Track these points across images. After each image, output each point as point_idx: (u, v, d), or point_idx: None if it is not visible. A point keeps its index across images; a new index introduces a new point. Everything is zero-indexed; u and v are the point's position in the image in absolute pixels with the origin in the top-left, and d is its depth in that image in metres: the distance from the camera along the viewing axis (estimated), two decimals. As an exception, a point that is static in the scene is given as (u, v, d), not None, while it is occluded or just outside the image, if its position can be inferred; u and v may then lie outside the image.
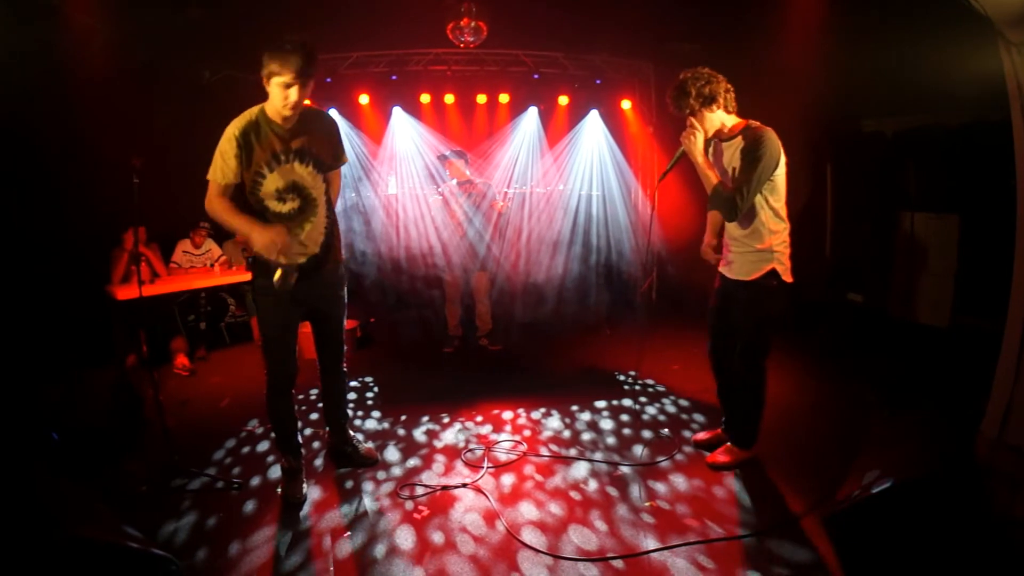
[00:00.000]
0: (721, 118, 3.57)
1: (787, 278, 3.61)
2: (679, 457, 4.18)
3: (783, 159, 3.50)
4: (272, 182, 3.39)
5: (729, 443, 4.05)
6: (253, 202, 3.43)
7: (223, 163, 3.28)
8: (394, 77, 8.76)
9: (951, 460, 2.84)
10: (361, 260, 8.87)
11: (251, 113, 3.33)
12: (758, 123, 3.54)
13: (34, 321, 5.44)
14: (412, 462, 4.17)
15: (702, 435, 4.39)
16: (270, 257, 3.26)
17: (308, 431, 4.69)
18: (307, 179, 3.49)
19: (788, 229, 3.64)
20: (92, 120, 5.85)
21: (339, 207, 8.35)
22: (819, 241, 7.74)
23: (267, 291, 3.46)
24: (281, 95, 3.19)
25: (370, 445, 4.37)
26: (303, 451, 3.91)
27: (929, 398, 4.80)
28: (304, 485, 3.78)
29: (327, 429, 4.22)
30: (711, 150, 3.75)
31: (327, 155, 3.57)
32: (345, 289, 3.90)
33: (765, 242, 3.56)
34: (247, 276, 6.90)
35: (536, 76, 9.13)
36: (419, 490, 3.79)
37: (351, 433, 4.24)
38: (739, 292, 3.71)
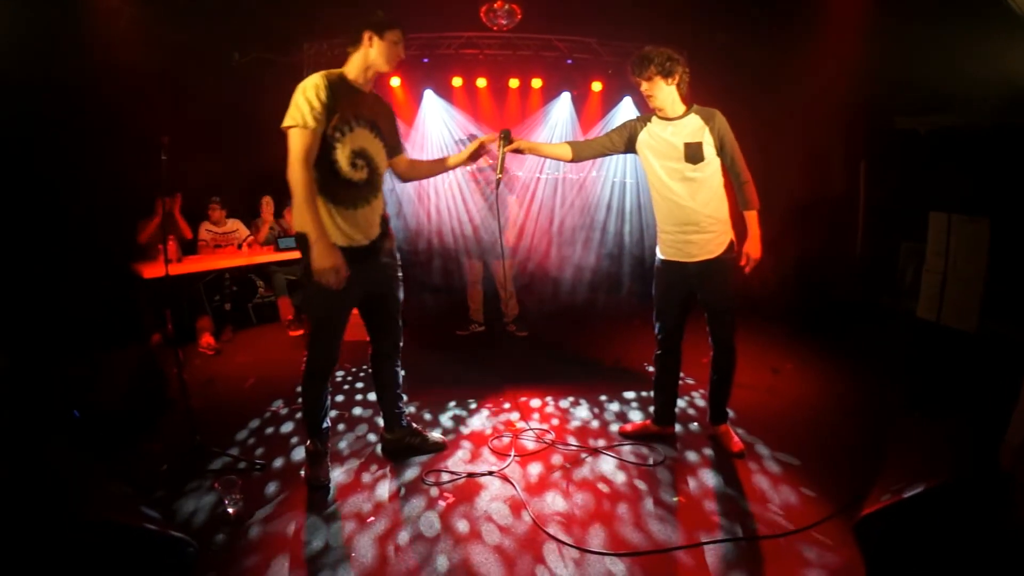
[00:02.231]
0: (672, 96, 3.72)
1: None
2: (707, 452, 4.09)
3: None
4: (350, 143, 3.28)
5: (726, 426, 4.17)
6: (323, 166, 3.25)
7: (310, 107, 3.12)
8: (425, 60, 8.68)
9: (977, 467, 2.76)
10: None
11: (329, 72, 3.27)
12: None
13: (60, 298, 5.47)
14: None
15: (628, 427, 4.41)
16: (322, 282, 3.15)
17: (333, 413, 4.65)
18: (377, 152, 3.45)
19: None
20: (120, 100, 5.86)
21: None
22: (850, 240, 7.59)
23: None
24: (395, 50, 3.34)
25: (439, 434, 4.26)
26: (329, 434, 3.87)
27: (957, 403, 4.67)
28: (329, 468, 3.72)
29: (383, 424, 4.07)
30: (645, 132, 3.87)
31: (393, 137, 3.61)
32: (400, 269, 3.75)
33: (726, 217, 3.80)
34: (275, 256, 6.91)
35: (569, 61, 9.02)
36: (444, 477, 3.73)
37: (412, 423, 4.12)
38: (717, 268, 3.80)
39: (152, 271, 5.59)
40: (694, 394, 5.07)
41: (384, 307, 3.70)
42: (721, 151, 3.71)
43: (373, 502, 3.44)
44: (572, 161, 4.07)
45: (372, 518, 3.28)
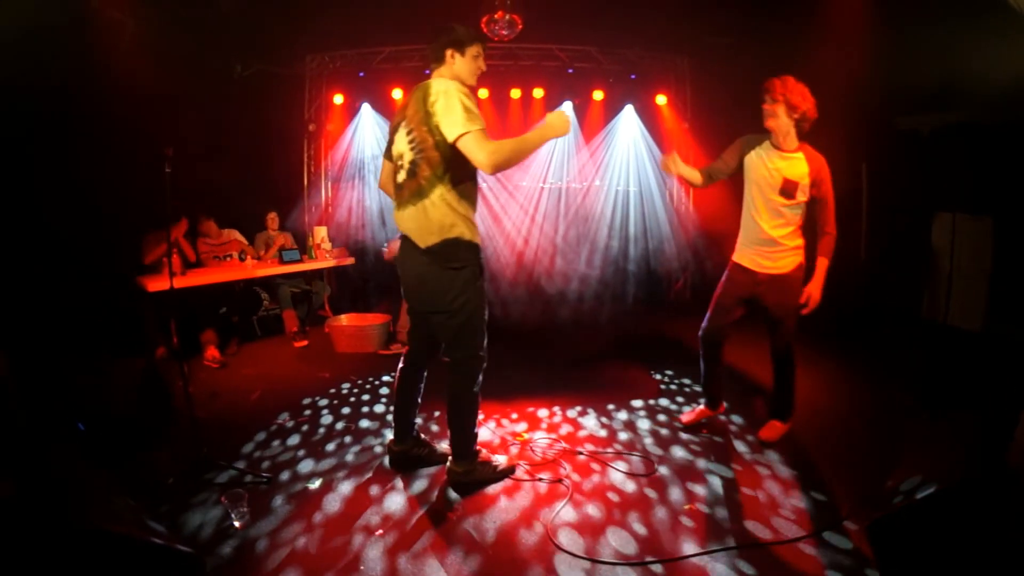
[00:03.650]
0: (790, 129, 3.90)
1: None
2: (718, 458, 4.07)
3: None
4: None
5: (775, 420, 4.37)
6: (471, 172, 3.40)
7: (478, 110, 3.21)
8: (428, 72, 8.69)
9: (987, 467, 2.74)
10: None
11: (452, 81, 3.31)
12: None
13: (64, 307, 5.46)
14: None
15: (685, 417, 4.65)
16: (561, 133, 3.40)
17: (339, 425, 4.64)
18: None
19: None
20: (124, 112, 5.87)
21: (376, 202, 8.36)
22: (854, 241, 7.57)
23: (482, 275, 3.48)
24: (476, 64, 3.48)
25: (446, 444, 4.14)
26: (332, 446, 3.85)
27: (964, 403, 4.66)
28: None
29: (391, 435, 4.07)
30: (754, 152, 4.05)
31: None
32: None
33: (800, 244, 4.07)
34: (280, 269, 6.91)
35: (570, 71, 9.07)
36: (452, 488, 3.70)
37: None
38: (785, 283, 4.06)
39: (156, 284, 5.58)
40: (702, 400, 5.03)
41: None
42: (815, 196, 3.93)
43: (382, 514, 3.41)
44: (701, 186, 4.23)
45: (381, 530, 3.25)
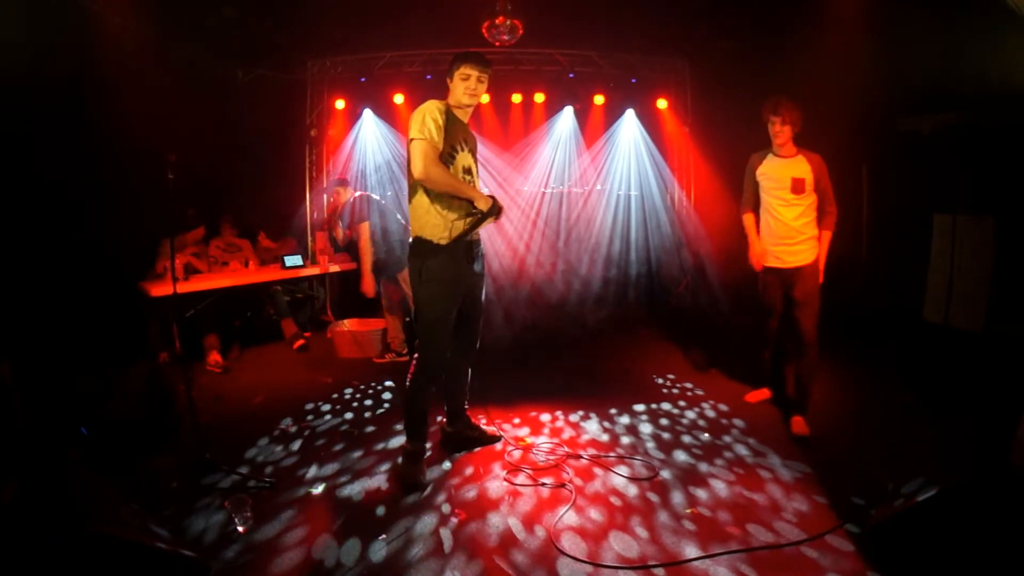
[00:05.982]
0: (790, 140, 4.61)
1: None
2: (719, 462, 4.06)
3: None
4: (461, 160, 3.79)
5: (799, 415, 4.59)
6: None
7: (436, 126, 3.61)
8: (429, 77, 8.75)
9: (988, 468, 2.75)
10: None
11: (445, 101, 3.81)
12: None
13: (68, 314, 5.47)
14: (449, 464, 4.09)
15: (752, 396, 5.21)
16: (495, 216, 3.76)
17: (345, 428, 4.66)
18: (476, 172, 3.98)
19: None
20: (126, 119, 5.88)
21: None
22: (856, 243, 7.57)
23: (437, 276, 3.71)
24: (467, 84, 3.78)
25: (492, 428, 4.59)
26: (335, 450, 3.84)
27: (966, 404, 4.66)
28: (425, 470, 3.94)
29: (444, 419, 4.43)
30: (762, 166, 4.74)
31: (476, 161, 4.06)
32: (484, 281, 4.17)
33: (815, 234, 4.65)
34: (282, 274, 6.90)
35: (571, 75, 9.08)
36: (455, 493, 3.70)
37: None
38: (807, 272, 4.59)
39: (159, 289, 5.58)
40: (704, 405, 5.06)
41: (471, 312, 4.06)
42: (817, 186, 4.58)
43: (385, 519, 3.41)
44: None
45: (384, 535, 3.25)
